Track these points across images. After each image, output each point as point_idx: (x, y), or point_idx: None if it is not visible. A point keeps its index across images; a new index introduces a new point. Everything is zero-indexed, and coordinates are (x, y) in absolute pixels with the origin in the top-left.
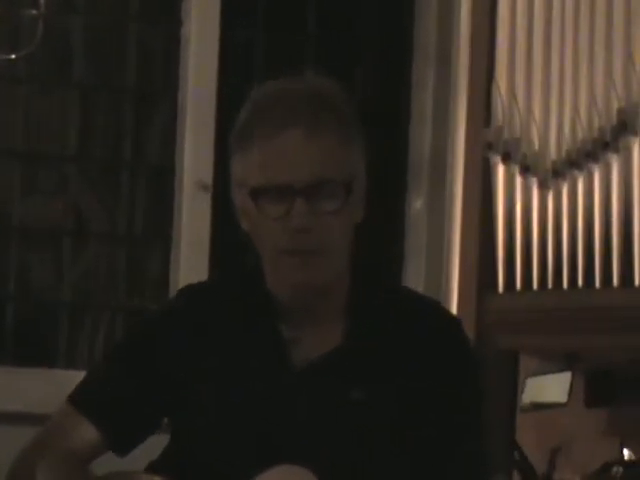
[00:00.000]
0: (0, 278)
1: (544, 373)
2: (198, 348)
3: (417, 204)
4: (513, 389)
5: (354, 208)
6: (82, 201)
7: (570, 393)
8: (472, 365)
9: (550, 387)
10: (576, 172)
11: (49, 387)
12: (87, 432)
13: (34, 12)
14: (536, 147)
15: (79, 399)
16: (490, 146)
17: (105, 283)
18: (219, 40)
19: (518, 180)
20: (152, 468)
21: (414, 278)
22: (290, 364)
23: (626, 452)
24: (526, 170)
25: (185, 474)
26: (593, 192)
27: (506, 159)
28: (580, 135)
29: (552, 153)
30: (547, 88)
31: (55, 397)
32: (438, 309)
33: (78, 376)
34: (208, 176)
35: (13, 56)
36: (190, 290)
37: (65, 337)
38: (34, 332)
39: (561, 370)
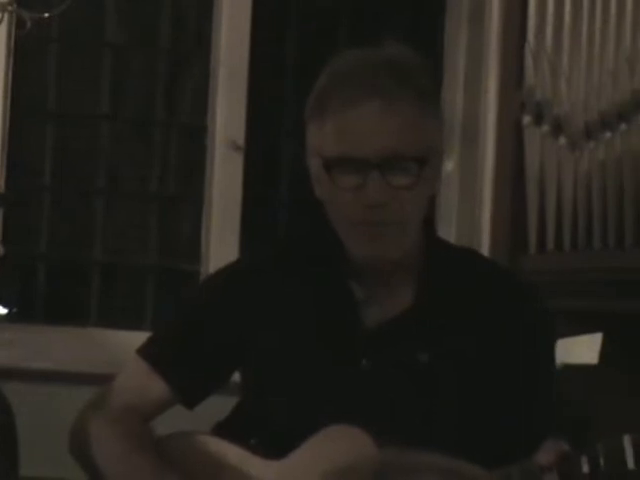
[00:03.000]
0: (32, 237)
1: (575, 334)
2: (267, 306)
3: (449, 165)
4: None
5: (429, 181)
6: (114, 160)
7: (601, 355)
8: (544, 331)
9: (581, 348)
10: (608, 133)
11: (81, 345)
12: (155, 386)
13: None
14: (568, 108)
15: (149, 353)
16: (522, 107)
17: (137, 242)
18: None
19: (550, 141)
20: (219, 428)
21: (445, 239)
22: (360, 324)
23: None
24: (558, 131)
25: (249, 434)
26: (624, 152)
27: (538, 120)
28: (612, 96)
29: (584, 114)
30: (579, 49)
31: (86, 355)
32: (510, 274)
33: (109, 335)
34: (240, 135)
35: (47, 15)
36: (264, 249)
37: (97, 296)
38: (66, 291)
39: (592, 331)
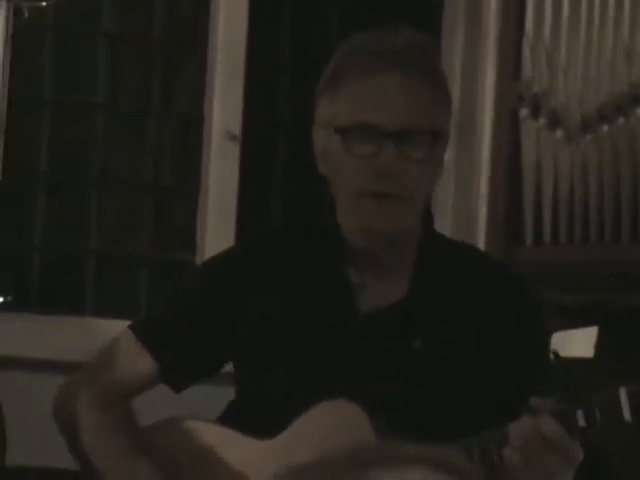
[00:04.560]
0: (27, 226)
1: (570, 327)
2: (263, 290)
3: (445, 157)
4: None
5: (437, 163)
6: (110, 150)
7: (597, 348)
8: (535, 323)
9: (576, 342)
10: (605, 126)
11: (75, 334)
12: (142, 362)
13: None
14: (565, 100)
15: (141, 330)
16: (519, 99)
17: (132, 232)
18: None
19: (547, 134)
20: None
21: (441, 231)
22: (356, 309)
23: None
24: (555, 124)
25: (247, 424)
26: (621, 146)
27: (535, 113)
28: (610, 89)
29: (581, 107)
30: (577, 40)
31: (80, 344)
32: (503, 267)
33: (103, 324)
34: (236, 126)
35: (44, 3)
36: (259, 234)
37: (91, 285)
38: (60, 280)
39: (588, 324)
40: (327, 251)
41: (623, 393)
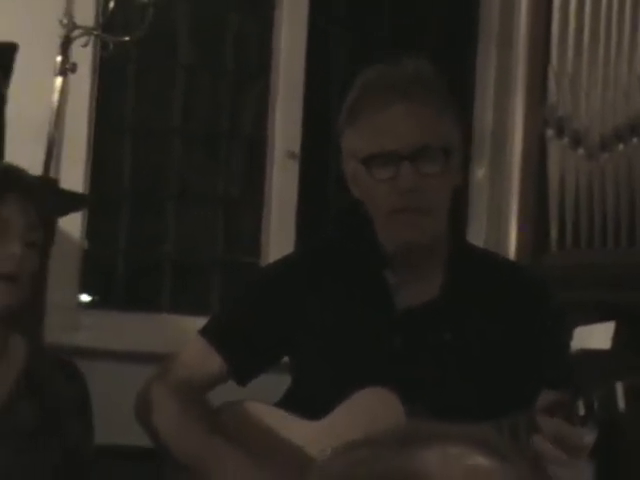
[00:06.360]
0: (113, 234)
1: (591, 323)
2: (312, 297)
3: (480, 173)
4: None
5: (453, 173)
6: (185, 167)
7: (614, 340)
8: (556, 316)
9: (595, 335)
10: (621, 145)
11: (154, 329)
12: (212, 362)
13: (145, 0)
14: (586, 122)
15: (209, 333)
16: (545, 122)
17: (205, 239)
18: (307, 25)
19: (569, 152)
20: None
21: (476, 240)
22: (392, 307)
23: None
24: (577, 143)
25: (301, 408)
26: (636, 162)
27: (559, 133)
28: (626, 112)
29: (600, 128)
30: (597, 70)
31: (160, 338)
32: (525, 269)
33: (180, 320)
34: (296, 145)
35: (127, 38)
36: (309, 247)
37: (169, 285)
38: (142, 281)
39: (607, 320)
40: (368, 256)
41: (619, 386)
